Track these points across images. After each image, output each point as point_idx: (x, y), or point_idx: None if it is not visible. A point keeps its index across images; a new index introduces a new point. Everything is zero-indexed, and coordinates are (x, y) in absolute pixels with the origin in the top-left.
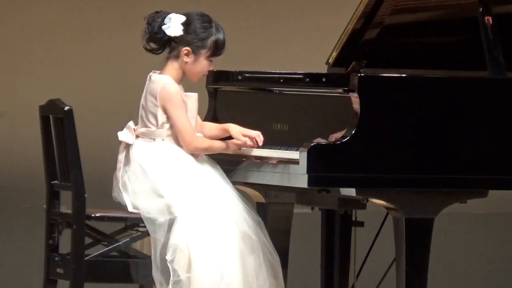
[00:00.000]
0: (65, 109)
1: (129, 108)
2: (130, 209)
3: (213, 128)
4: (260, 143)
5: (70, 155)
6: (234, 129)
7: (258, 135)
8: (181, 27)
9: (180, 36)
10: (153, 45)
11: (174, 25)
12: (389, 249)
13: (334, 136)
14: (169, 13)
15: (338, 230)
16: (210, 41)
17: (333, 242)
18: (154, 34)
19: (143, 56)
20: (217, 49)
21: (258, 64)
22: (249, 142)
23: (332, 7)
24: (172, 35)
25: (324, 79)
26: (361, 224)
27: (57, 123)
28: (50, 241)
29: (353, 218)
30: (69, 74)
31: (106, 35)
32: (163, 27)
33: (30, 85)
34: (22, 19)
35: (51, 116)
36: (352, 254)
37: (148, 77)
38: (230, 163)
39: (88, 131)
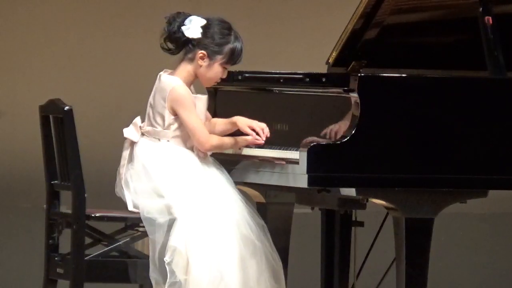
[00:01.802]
0: (65, 109)
1: (129, 108)
2: (130, 207)
3: (221, 123)
4: (267, 134)
5: (70, 155)
6: (241, 121)
7: (263, 128)
8: (200, 30)
9: (198, 39)
10: (170, 45)
11: (193, 27)
12: (389, 249)
13: (333, 131)
14: (190, 15)
15: (338, 230)
16: (227, 48)
17: (333, 242)
18: (173, 33)
19: (143, 56)
20: (233, 57)
21: (258, 64)
22: (254, 135)
23: (332, 7)
24: (191, 36)
25: (324, 79)
26: (361, 224)
27: (57, 123)
28: (50, 241)
29: (353, 218)
30: (69, 74)
31: (106, 35)
32: (182, 27)
33: (30, 85)
34: (22, 19)
35: (51, 116)
36: (352, 254)
37: (158, 76)
38: (230, 163)
39: (88, 131)
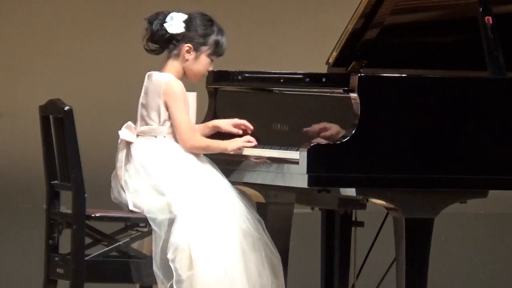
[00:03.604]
0: (65, 109)
1: (129, 108)
2: (131, 207)
3: (202, 128)
4: (249, 131)
5: (70, 155)
6: (222, 123)
7: (244, 123)
8: (183, 25)
9: (182, 34)
10: (153, 46)
11: (175, 23)
12: (389, 249)
13: (333, 133)
14: (170, 12)
15: (338, 230)
16: (211, 38)
17: (333, 242)
18: (156, 32)
19: (143, 56)
20: (218, 47)
21: (258, 64)
22: (236, 130)
23: (332, 7)
24: (174, 32)
25: (324, 79)
26: (361, 224)
27: (57, 123)
28: (50, 241)
29: (353, 218)
30: (69, 74)
31: (106, 35)
32: (164, 25)
33: (30, 85)
34: (22, 19)
35: (51, 116)
36: (352, 254)
37: (147, 76)
38: (229, 163)
39: (88, 131)
